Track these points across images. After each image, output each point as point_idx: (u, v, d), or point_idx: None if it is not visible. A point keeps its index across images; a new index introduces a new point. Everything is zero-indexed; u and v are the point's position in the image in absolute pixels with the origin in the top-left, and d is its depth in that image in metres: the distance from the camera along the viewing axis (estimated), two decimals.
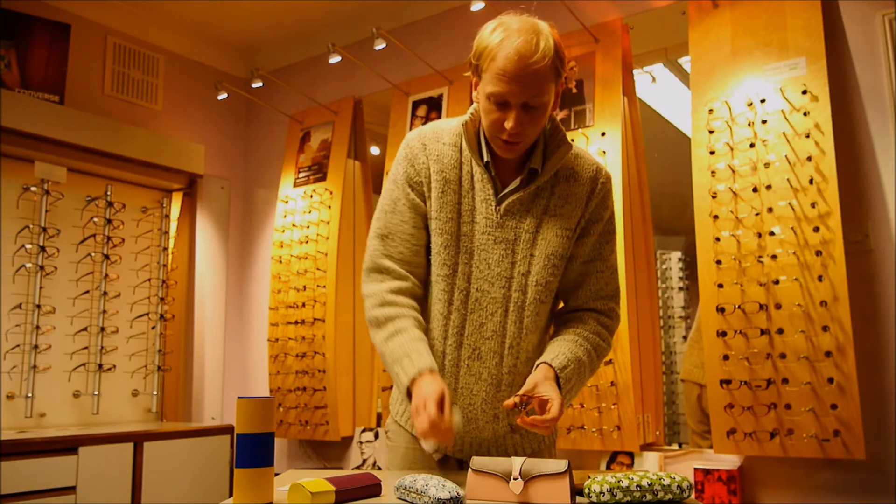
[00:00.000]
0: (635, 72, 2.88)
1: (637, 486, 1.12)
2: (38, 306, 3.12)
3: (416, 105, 3.24)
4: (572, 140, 1.50)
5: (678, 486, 1.13)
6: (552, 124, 1.48)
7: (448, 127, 1.51)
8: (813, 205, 2.17)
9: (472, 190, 1.46)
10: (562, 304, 1.57)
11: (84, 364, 3.27)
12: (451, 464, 1.52)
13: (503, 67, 1.33)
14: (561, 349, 1.41)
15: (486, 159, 1.45)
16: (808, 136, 2.21)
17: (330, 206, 3.40)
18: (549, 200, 1.47)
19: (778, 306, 2.18)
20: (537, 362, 1.39)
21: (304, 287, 3.39)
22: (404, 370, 1.36)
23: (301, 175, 3.63)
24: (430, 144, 1.49)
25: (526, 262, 1.45)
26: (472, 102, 1.49)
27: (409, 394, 1.36)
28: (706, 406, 2.82)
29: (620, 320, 1.59)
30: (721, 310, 2.27)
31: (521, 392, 1.33)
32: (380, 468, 3.11)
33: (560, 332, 1.48)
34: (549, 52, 1.34)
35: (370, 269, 1.49)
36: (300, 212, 3.55)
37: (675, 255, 3.45)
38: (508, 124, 1.36)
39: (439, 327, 1.45)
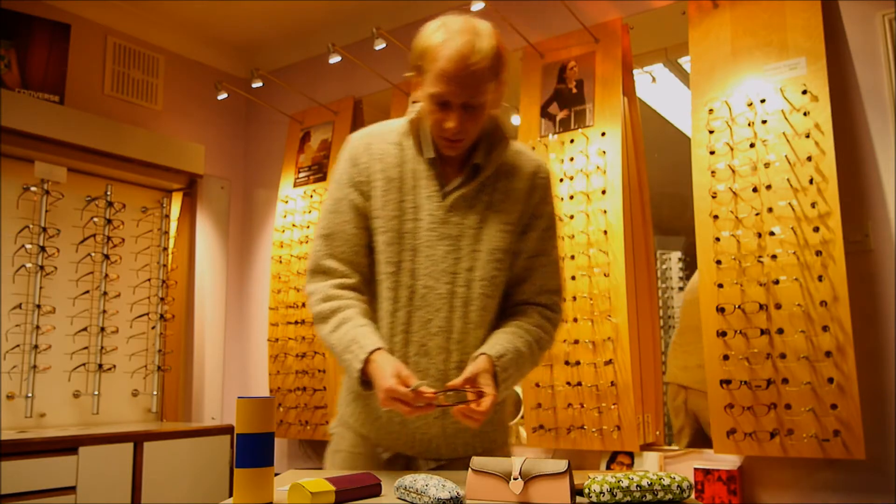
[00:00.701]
0: (635, 72, 2.88)
1: (637, 486, 1.12)
2: (38, 306, 3.12)
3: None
4: (513, 138, 1.54)
5: (678, 486, 1.13)
6: (494, 122, 1.50)
7: (392, 126, 1.53)
8: (813, 205, 2.17)
9: (415, 187, 1.47)
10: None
11: (84, 364, 3.27)
12: (399, 463, 1.52)
13: (443, 68, 1.36)
14: (500, 340, 1.43)
15: (430, 156, 1.47)
16: (808, 136, 2.21)
17: None
18: (491, 196, 1.48)
19: (778, 306, 2.18)
20: (478, 352, 1.40)
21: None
22: (355, 356, 1.37)
23: (301, 175, 3.63)
24: (373, 143, 1.51)
25: (470, 257, 1.46)
26: (413, 101, 1.51)
27: (362, 380, 1.36)
28: (694, 409, 2.82)
29: (564, 314, 1.64)
30: (721, 310, 2.27)
31: (453, 384, 1.34)
32: None
33: (503, 324, 1.49)
34: (488, 52, 1.37)
35: (313, 269, 1.50)
36: (300, 212, 3.55)
37: (675, 255, 3.45)
38: (449, 124, 1.39)
39: (386, 325, 1.46)
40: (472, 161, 1.47)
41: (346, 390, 1.58)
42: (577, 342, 2.55)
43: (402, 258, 1.45)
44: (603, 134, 2.64)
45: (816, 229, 2.15)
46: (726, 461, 2.33)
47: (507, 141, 1.51)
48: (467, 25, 1.40)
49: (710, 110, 2.41)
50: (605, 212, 2.56)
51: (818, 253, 2.13)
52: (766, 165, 2.27)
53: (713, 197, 2.35)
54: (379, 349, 1.36)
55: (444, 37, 1.38)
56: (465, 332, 1.44)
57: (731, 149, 2.34)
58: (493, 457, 1.25)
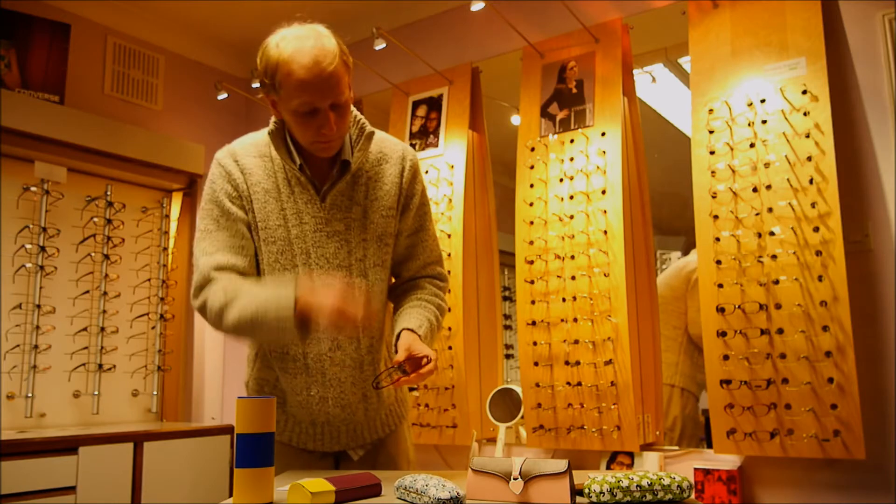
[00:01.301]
0: (635, 72, 2.87)
1: (637, 486, 1.12)
2: (38, 306, 3.11)
3: (416, 105, 3.24)
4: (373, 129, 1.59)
5: (678, 486, 1.13)
6: (352, 115, 1.54)
7: (253, 141, 1.56)
8: (813, 205, 2.17)
9: (292, 195, 1.51)
10: (393, 279, 1.68)
11: (84, 364, 3.27)
12: (329, 461, 1.61)
13: (303, 78, 1.37)
14: (412, 314, 1.52)
15: (298, 162, 1.49)
16: (808, 136, 2.21)
17: None
18: (367, 185, 1.55)
19: (778, 306, 2.18)
20: (398, 330, 1.48)
21: None
22: (280, 298, 1.33)
23: None
24: (241, 159, 1.52)
25: (361, 247, 1.53)
26: (274, 117, 1.52)
27: (296, 316, 1.32)
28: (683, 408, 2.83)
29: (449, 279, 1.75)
30: (721, 310, 2.27)
31: (398, 359, 1.41)
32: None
33: (405, 300, 1.59)
34: (336, 50, 1.42)
35: (200, 285, 1.46)
36: None
37: (675, 255, 3.45)
38: (325, 129, 1.41)
39: None
40: (340, 158, 1.52)
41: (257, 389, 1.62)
42: (577, 342, 2.55)
43: (296, 262, 1.49)
44: (603, 134, 2.64)
45: (816, 229, 2.15)
46: (726, 461, 2.33)
47: (373, 131, 1.55)
48: (306, 30, 1.45)
49: (710, 110, 2.41)
50: (605, 212, 2.56)
51: (818, 253, 2.14)
52: (766, 165, 2.27)
53: (713, 197, 2.35)
54: (295, 281, 1.38)
55: (291, 47, 1.40)
56: (368, 318, 1.46)
57: (731, 149, 2.34)
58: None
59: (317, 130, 1.42)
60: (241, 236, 1.49)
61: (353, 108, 1.53)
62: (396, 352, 1.44)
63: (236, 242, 1.49)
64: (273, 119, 1.52)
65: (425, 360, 1.40)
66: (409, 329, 1.48)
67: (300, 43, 1.41)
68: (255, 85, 3.41)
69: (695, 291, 3.03)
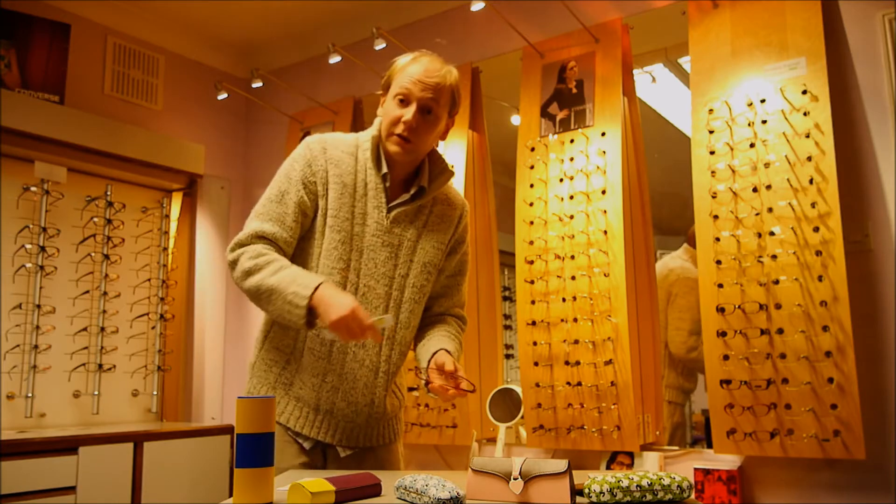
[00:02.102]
0: (635, 72, 2.88)
1: (637, 486, 1.12)
2: (38, 306, 3.12)
3: None
4: (453, 167, 1.76)
5: (678, 486, 1.13)
6: (438, 154, 1.73)
7: (346, 138, 1.69)
8: (813, 205, 2.17)
9: (365, 196, 1.64)
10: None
11: (84, 364, 3.27)
12: (317, 453, 1.65)
13: (411, 71, 1.60)
14: (443, 341, 1.65)
15: (384, 171, 1.63)
16: (808, 136, 2.21)
17: None
18: (428, 217, 1.70)
19: (778, 306, 2.18)
20: (435, 349, 1.60)
21: None
22: (304, 285, 1.46)
23: None
24: (329, 150, 1.64)
25: (406, 266, 1.66)
26: (376, 121, 1.68)
27: (309, 313, 1.45)
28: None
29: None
30: (721, 310, 2.27)
31: (449, 369, 1.53)
32: None
33: (435, 329, 1.71)
34: (452, 77, 1.64)
35: (241, 242, 1.58)
36: None
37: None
38: (406, 117, 1.57)
39: None
40: (418, 183, 1.66)
41: (264, 381, 1.66)
42: (577, 342, 2.55)
43: (350, 257, 1.61)
44: (603, 134, 2.64)
45: (816, 229, 2.15)
46: (726, 461, 2.33)
47: (451, 173, 1.73)
48: (434, 56, 1.65)
49: (710, 110, 2.41)
50: (605, 212, 2.56)
51: (818, 253, 2.14)
52: (766, 165, 2.27)
53: (713, 197, 2.35)
54: (325, 281, 1.49)
55: (414, 56, 1.63)
56: (395, 331, 1.65)
57: (731, 149, 2.34)
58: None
59: (399, 120, 1.58)
60: (294, 216, 1.59)
61: (437, 149, 1.73)
62: (425, 369, 1.58)
63: (288, 220, 1.59)
64: (374, 125, 1.66)
65: (466, 382, 1.53)
66: (447, 351, 1.60)
67: (427, 56, 1.64)
68: (255, 85, 3.42)
69: (674, 307, 3.05)
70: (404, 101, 1.59)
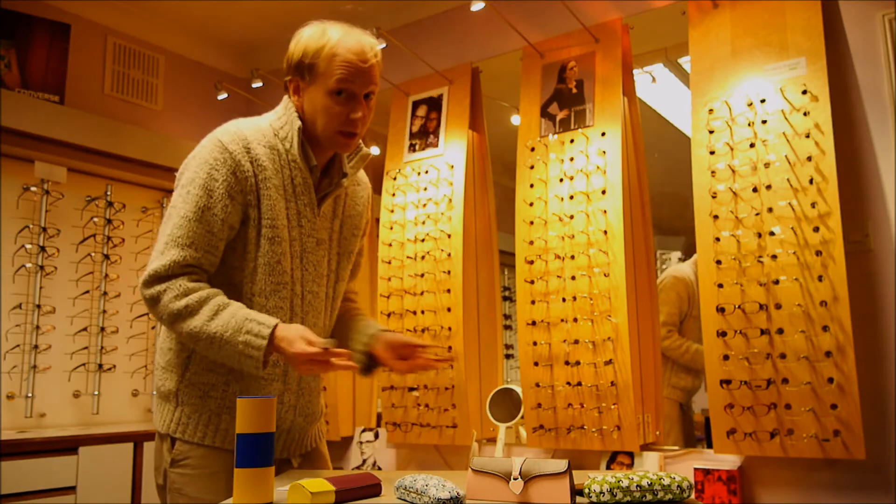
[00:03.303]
0: (635, 72, 2.87)
1: (637, 486, 1.12)
2: (38, 306, 3.12)
3: (416, 105, 3.24)
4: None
5: (678, 486, 1.13)
6: None
7: (259, 128, 1.50)
8: (813, 205, 2.17)
9: (294, 195, 1.49)
10: None
11: (84, 364, 3.27)
12: (280, 466, 1.55)
13: (349, 60, 1.42)
14: (370, 322, 1.66)
15: (314, 163, 1.50)
16: (808, 136, 2.21)
17: None
18: (345, 202, 1.61)
19: (778, 306, 2.18)
20: (373, 332, 1.60)
21: None
22: (257, 332, 1.32)
23: None
24: (252, 148, 1.45)
25: (335, 259, 1.58)
26: (293, 108, 1.53)
27: (265, 356, 1.33)
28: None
29: None
30: (721, 310, 2.27)
31: (414, 341, 1.57)
32: (380, 468, 3.11)
33: (352, 312, 1.70)
34: (378, 51, 1.50)
35: (158, 275, 1.37)
36: None
37: (675, 255, 3.45)
38: (356, 115, 1.44)
39: None
40: (339, 169, 1.55)
41: (202, 409, 1.46)
42: (577, 342, 2.55)
43: (292, 265, 1.47)
44: (603, 134, 2.64)
45: (816, 229, 2.15)
46: (726, 461, 2.33)
47: (368, 152, 1.60)
48: (348, 26, 1.48)
49: (710, 110, 2.41)
50: (605, 212, 2.56)
51: (818, 253, 2.13)
52: (766, 165, 2.26)
53: (713, 197, 2.35)
54: (278, 322, 1.35)
55: (338, 33, 1.45)
56: (330, 329, 1.61)
57: (731, 149, 2.34)
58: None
59: (346, 117, 1.45)
60: (220, 234, 1.40)
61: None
62: (370, 352, 1.58)
63: (213, 241, 1.40)
64: (289, 112, 1.51)
65: (435, 350, 1.54)
66: (386, 331, 1.61)
67: (347, 31, 1.46)
68: (255, 85, 3.42)
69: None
70: (347, 96, 1.44)
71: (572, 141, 2.71)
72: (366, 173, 1.72)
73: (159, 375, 1.52)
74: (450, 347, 2.85)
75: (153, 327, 3.57)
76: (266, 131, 1.50)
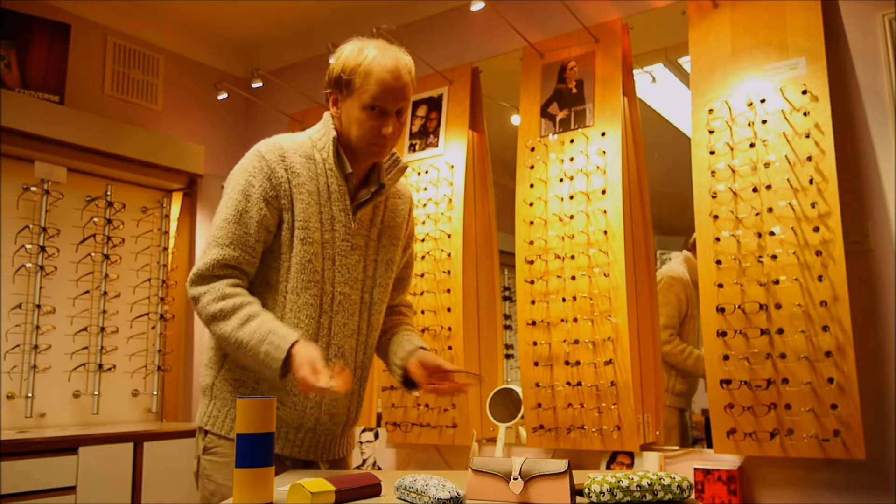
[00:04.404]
0: (635, 72, 2.88)
1: (637, 486, 1.12)
2: (38, 306, 3.12)
3: (416, 105, 3.24)
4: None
5: (678, 486, 1.13)
6: None
7: (297, 140, 1.61)
8: (813, 205, 2.17)
9: (329, 200, 1.58)
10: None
11: (84, 364, 3.27)
12: (299, 469, 1.59)
13: (382, 78, 1.51)
14: (414, 338, 1.69)
15: (349, 171, 1.58)
16: (808, 136, 2.21)
17: None
18: (384, 213, 1.68)
19: (778, 306, 2.18)
20: (412, 348, 1.64)
21: None
22: (277, 345, 1.40)
23: None
24: (287, 157, 1.56)
25: (372, 266, 1.65)
26: (330, 122, 1.61)
27: (284, 367, 1.40)
28: None
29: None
30: (721, 310, 2.27)
31: (452, 366, 1.59)
32: (380, 468, 3.11)
33: (396, 327, 1.75)
34: (412, 69, 1.57)
35: (205, 275, 1.49)
36: None
37: (675, 255, 3.45)
38: (387, 130, 1.53)
39: (312, 330, 1.53)
40: (377, 179, 1.63)
41: (231, 403, 1.56)
42: (577, 342, 2.55)
43: (324, 266, 1.55)
44: (603, 134, 2.64)
45: (816, 229, 2.15)
46: (726, 461, 2.33)
47: (405, 165, 1.70)
48: (387, 45, 1.57)
49: (710, 110, 2.41)
50: (605, 212, 2.56)
51: (818, 253, 2.13)
52: (766, 165, 2.27)
53: (713, 197, 2.35)
54: (300, 338, 1.43)
55: (374, 51, 1.53)
56: (367, 334, 1.64)
57: (731, 149, 2.34)
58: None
59: (378, 131, 1.53)
60: (256, 236, 1.51)
61: None
62: (406, 367, 1.62)
63: (251, 240, 1.51)
64: (327, 124, 1.60)
65: (465, 375, 1.57)
66: (424, 349, 1.64)
67: (384, 50, 1.54)
68: (255, 85, 3.42)
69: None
70: (379, 112, 1.53)
71: (572, 141, 2.71)
72: (405, 185, 1.79)
73: (202, 371, 1.64)
74: (450, 347, 2.85)
75: (153, 327, 3.57)
76: (304, 143, 1.60)
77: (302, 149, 1.58)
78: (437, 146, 3.11)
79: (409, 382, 1.66)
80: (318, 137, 1.60)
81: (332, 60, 1.58)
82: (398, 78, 1.52)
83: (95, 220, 3.37)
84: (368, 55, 1.52)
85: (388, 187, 1.66)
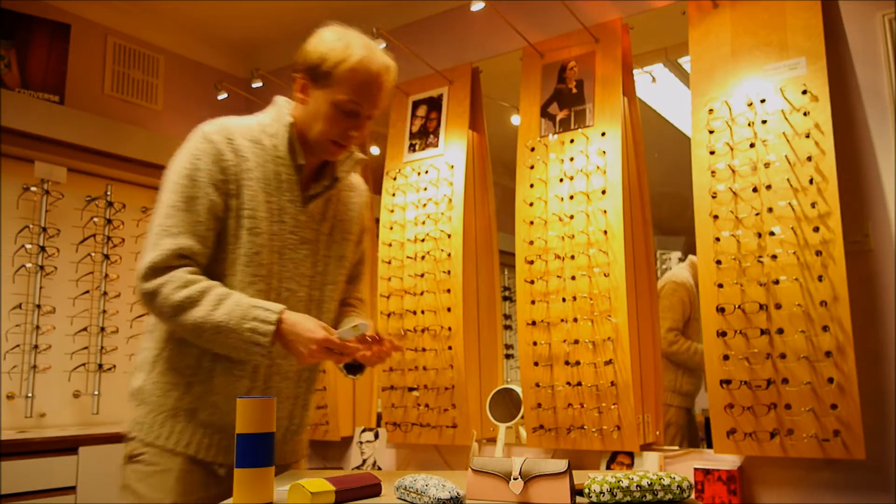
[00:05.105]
0: (635, 72, 2.88)
1: (637, 486, 1.12)
2: (38, 306, 3.12)
3: (416, 105, 3.24)
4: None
5: (678, 486, 1.13)
6: None
7: (244, 124, 1.52)
8: (813, 205, 2.17)
9: (279, 189, 1.48)
10: None
11: (84, 364, 3.27)
12: (219, 474, 1.48)
13: (365, 80, 1.44)
14: (354, 319, 1.59)
15: (302, 162, 1.50)
16: (808, 136, 2.21)
17: None
18: (337, 206, 1.60)
19: (778, 306, 2.18)
20: (354, 322, 1.49)
21: None
22: (263, 319, 1.33)
23: None
24: (235, 140, 1.46)
25: (323, 262, 1.55)
26: (301, 100, 1.52)
27: (275, 335, 1.34)
28: None
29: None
30: (721, 310, 2.27)
31: (370, 334, 1.43)
32: (380, 468, 3.11)
33: (344, 316, 1.65)
34: (396, 75, 1.52)
35: (158, 267, 1.37)
36: None
37: (675, 255, 3.45)
38: (355, 132, 1.47)
39: None
40: (330, 171, 1.55)
41: (159, 408, 1.45)
42: (577, 342, 2.55)
43: (271, 260, 1.46)
44: (603, 134, 2.64)
45: (816, 229, 2.15)
46: (726, 461, 2.33)
47: (362, 157, 1.62)
48: (370, 42, 1.50)
49: (710, 110, 2.41)
50: (605, 212, 2.56)
51: (818, 253, 2.13)
52: (766, 165, 2.27)
53: (713, 197, 2.35)
54: (284, 309, 1.36)
55: (362, 48, 1.46)
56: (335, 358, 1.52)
57: (731, 149, 2.34)
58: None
59: (345, 132, 1.47)
60: (208, 223, 1.41)
61: None
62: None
63: (202, 229, 1.40)
64: (281, 110, 1.52)
65: (389, 343, 1.44)
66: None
67: (370, 50, 1.47)
68: (255, 85, 3.42)
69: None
70: (351, 112, 1.46)
71: (572, 141, 2.71)
72: (366, 173, 1.72)
73: (133, 375, 1.53)
74: (450, 347, 2.85)
75: None
76: (253, 127, 1.51)
77: (250, 133, 1.49)
78: (437, 146, 3.11)
79: (350, 368, 1.57)
80: (268, 122, 1.51)
81: (310, 43, 1.50)
82: (381, 85, 1.47)
83: (95, 220, 3.37)
84: (355, 53, 1.45)
85: (343, 180, 1.59)
